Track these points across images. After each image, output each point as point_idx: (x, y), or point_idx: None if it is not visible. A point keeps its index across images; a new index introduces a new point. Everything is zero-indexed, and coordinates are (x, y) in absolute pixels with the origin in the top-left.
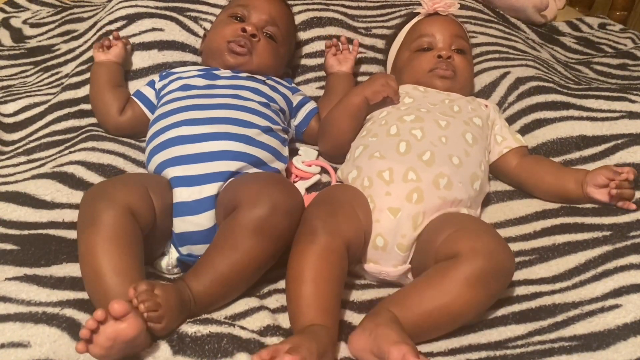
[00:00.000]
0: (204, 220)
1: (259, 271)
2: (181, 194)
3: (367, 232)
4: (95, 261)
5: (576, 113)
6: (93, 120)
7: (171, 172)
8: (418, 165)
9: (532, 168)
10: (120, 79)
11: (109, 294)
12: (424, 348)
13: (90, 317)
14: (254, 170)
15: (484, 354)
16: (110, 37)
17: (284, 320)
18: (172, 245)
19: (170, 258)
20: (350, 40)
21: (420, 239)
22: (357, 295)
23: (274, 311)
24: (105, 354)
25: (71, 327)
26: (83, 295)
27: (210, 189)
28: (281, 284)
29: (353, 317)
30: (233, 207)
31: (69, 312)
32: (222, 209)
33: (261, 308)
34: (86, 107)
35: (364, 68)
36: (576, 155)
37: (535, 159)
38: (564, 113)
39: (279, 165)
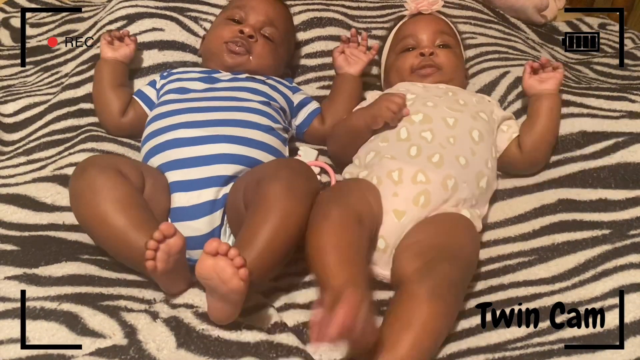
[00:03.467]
0: (202, 225)
1: (299, 234)
2: (180, 199)
3: (378, 216)
4: (114, 224)
5: (576, 110)
6: (92, 119)
7: (170, 177)
8: (428, 167)
9: (528, 132)
10: (125, 79)
11: (136, 248)
12: None
13: (150, 240)
14: None
15: (482, 357)
16: (118, 35)
17: (287, 318)
18: None
19: None
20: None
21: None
22: None
23: (279, 309)
24: (166, 267)
25: (69, 321)
26: (80, 289)
27: (208, 194)
28: (282, 283)
29: None
30: (253, 188)
31: (67, 306)
32: (234, 205)
33: (266, 305)
34: (85, 106)
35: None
36: (576, 153)
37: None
38: (564, 110)
39: None
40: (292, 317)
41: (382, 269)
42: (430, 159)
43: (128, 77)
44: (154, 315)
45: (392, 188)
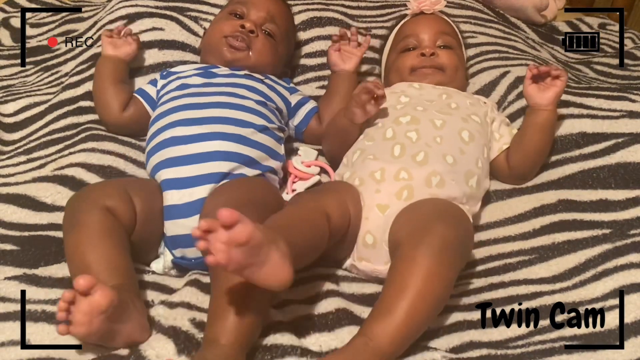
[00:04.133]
0: (195, 223)
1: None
2: (172, 197)
3: (354, 219)
4: (81, 257)
5: (576, 111)
6: (92, 117)
7: (163, 175)
8: (411, 165)
9: (517, 147)
10: (125, 76)
11: None
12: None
13: (60, 299)
14: (247, 170)
15: (485, 351)
16: (120, 30)
17: (284, 314)
18: (166, 248)
19: (165, 260)
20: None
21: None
22: (357, 289)
23: (276, 306)
24: (88, 331)
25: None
26: None
27: (201, 192)
28: None
29: (354, 308)
30: None
31: None
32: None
33: None
34: (85, 104)
35: (363, 68)
36: (576, 153)
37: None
38: (564, 111)
39: (274, 164)
40: (290, 313)
41: (375, 264)
42: (414, 158)
43: (128, 75)
44: (152, 326)
45: (375, 186)
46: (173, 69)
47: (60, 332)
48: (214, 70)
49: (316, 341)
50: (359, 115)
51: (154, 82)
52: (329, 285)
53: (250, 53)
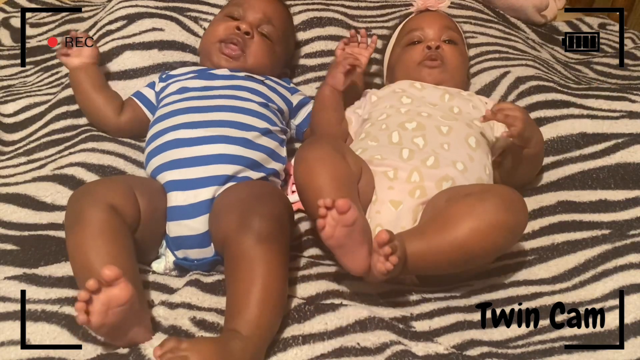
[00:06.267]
0: (198, 225)
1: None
2: (176, 198)
3: (364, 198)
4: (85, 256)
5: (576, 111)
6: None
7: (167, 176)
8: (422, 167)
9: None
10: (103, 79)
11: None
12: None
13: (82, 290)
14: (251, 173)
15: (485, 349)
16: (73, 36)
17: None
18: (168, 249)
19: (167, 261)
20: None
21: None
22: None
23: None
24: (102, 321)
25: (70, 324)
26: None
27: (206, 193)
28: None
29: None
30: (222, 237)
31: (68, 309)
32: (213, 228)
33: None
34: None
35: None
36: (576, 153)
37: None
38: (564, 111)
39: (277, 166)
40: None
41: None
42: (424, 162)
43: (105, 77)
44: (153, 326)
45: (387, 182)
46: (172, 72)
47: (80, 322)
48: (213, 72)
49: (319, 323)
50: (339, 77)
51: (151, 85)
52: (329, 285)
53: (246, 56)
